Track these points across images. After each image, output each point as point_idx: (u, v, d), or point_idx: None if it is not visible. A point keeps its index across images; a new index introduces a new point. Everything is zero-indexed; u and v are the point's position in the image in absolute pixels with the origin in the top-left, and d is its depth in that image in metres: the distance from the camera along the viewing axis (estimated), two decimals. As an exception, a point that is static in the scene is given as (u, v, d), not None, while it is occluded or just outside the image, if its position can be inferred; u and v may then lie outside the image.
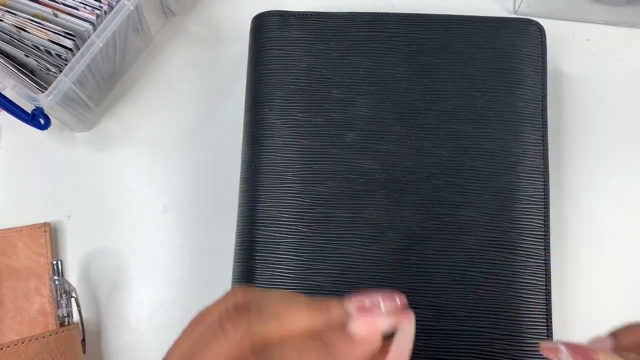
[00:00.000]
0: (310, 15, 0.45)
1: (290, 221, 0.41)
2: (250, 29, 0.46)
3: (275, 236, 0.40)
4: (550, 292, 0.39)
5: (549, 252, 0.40)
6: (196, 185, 0.47)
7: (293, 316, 0.25)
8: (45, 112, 0.43)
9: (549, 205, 0.41)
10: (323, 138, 0.42)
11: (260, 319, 0.25)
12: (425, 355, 0.38)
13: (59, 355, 0.39)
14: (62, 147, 0.49)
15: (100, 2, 0.44)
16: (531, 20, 0.44)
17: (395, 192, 0.41)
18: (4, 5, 0.44)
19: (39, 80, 0.47)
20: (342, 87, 0.43)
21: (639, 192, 0.46)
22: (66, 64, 0.43)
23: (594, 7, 0.49)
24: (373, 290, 0.26)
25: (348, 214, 0.40)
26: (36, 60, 0.45)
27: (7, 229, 0.46)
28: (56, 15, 0.44)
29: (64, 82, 0.42)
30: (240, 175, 0.43)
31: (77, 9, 0.44)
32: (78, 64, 0.42)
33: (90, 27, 0.44)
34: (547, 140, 0.42)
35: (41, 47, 0.43)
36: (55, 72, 0.46)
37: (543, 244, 0.40)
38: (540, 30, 0.44)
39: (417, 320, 0.39)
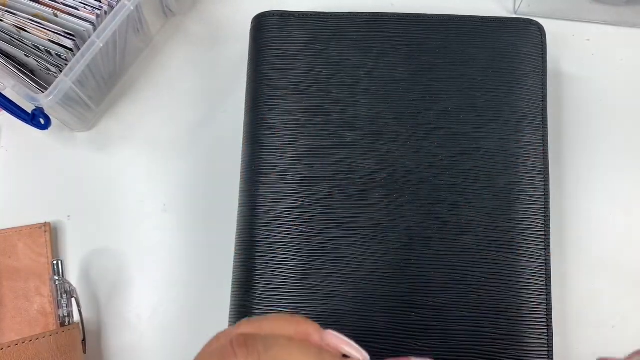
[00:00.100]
0: (310, 15, 0.45)
1: (290, 221, 0.41)
2: (250, 29, 0.46)
3: (275, 236, 0.40)
4: (550, 292, 0.39)
5: (549, 252, 0.40)
6: (196, 185, 0.47)
7: None
8: (46, 112, 0.43)
9: (549, 205, 0.41)
10: (323, 138, 0.42)
11: None
12: (426, 355, 0.38)
13: (59, 355, 0.39)
14: (62, 147, 0.49)
15: (100, 2, 0.44)
16: (531, 20, 0.44)
17: (396, 192, 0.41)
18: (4, 5, 0.44)
19: (39, 80, 0.47)
20: (342, 87, 0.43)
21: (639, 192, 0.46)
22: (66, 64, 0.43)
23: (594, 7, 0.49)
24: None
25: (348, 214, 0.40)
26: (36, 60, 0.45)
27: (7, 229, 0.46)
28: (56, 15, 0.44)
29: (64, 82, 0.42)
30: (240, 175, 0.43)
31: (77, 9, 0.44)
32: (78, 64, 0.42)
33: (90, 27, 0.44)
34: (547, 140, 0.42)
35: (41, 47, 0.43)
36: (55, 72, 0.46)
37: (543, 244, 0.40)
38: (540, 30, 0.44)
39: (417, 320, 0.39)
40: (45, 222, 0.46)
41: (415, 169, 0.41)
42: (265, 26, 0.45)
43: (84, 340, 0.42)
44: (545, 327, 0.39)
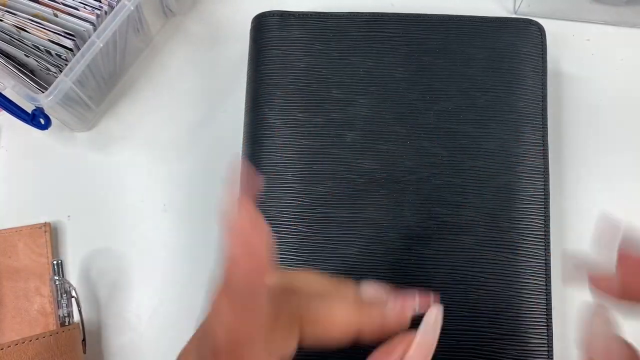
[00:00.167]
0: (310, 15, 0.45)
1: (290, 221, 0.41)
2: (250, 29, 0.46)
3: (275, 236, 0.40)
4: (550, 292, 0.39)
5: (549, 252, 0.40)
6: (196, 185, 0.47)
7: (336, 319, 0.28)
8: (46, 112, 0.43)
9: (549, 205, 0.41)
10: (323, 138, 0.42)
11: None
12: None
13: (59, 355, 0.39)
14: (62, 147, 0.49)
15: (100, 2, 0.44)
16: (531, 20, 0.44)
17: (396, 192, 0.41)
18: (4, 5, 0.44)
19: (39, 80, 0.47)
20: (342, 87, 0.43)
21: (639, 192, 0.46)
22: (66, 64, 0.43)
23: (594, 7, 0.49)
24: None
25: (348, 214, 0.40)
26: (36, 60, 0.45)
27: (7, 229, 0.46)
28: (56, 15, 0.44)
29: (64, 82, 0.42)
30: (241, 175, 0.43)
31: (77, 9, 0.44)
32: (78, 64, 0.42)
33: (90, 27, 0.44)
34: (547, 140, 0.42)
35: (41, 47, 0.43)
36: (55, 72, 0.46)
37: (543, 244, 0.40)
38: (540, 30, 0.44)
39: (417, 320, 0.38)
40: (45, 222, 0.46)
41: (415, 169, 0.41)
42: (265, 26, 0.45)
43: (84, 340, 0.42)
44: (545, 327, 0.39)
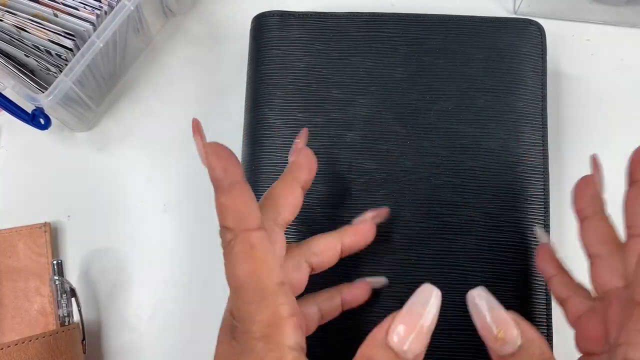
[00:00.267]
0: (310, 15, 0.45)
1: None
2: (250, 29, 0.46)
3: (275, 236, 0.40)
4: (550, 292, 0.39)
5: (549, 252, 0.40)
6: (196, 185, 0.47)
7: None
8: (46, 112, 0.43)
9: (549, 205, 0.41)
10: (323, 138, 0.42)
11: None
12: (425, 354, 0.38)
13: (59, 355, 0.39)
14: (62, 147, 0.49)
15: (100, 2, 0.44)
16: (531, 20, 0.44)
17: (395, 192, 0.41)
18: (4, 5, 0.44)
19: (39, 80, 0.47)
20: (342, 87, 0.43)
21: (638, 192, 0.46)
22: (66, 64, 0.43)
23: (594, 7, 0.49)
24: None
25: (348, 214, 0.40)
26: (36, 60, 0.45)
27: (7, 229, 0.46)
28: (56, 15, 0.44)
29: (64, 82, 0.42)
30: (241, 175, 0.43)
31: (77, 9, 0.44)
32: (78, 64, 0.42)
33: (90, 27, 0.44)
34: (547, 140, 0.42)
35: (41, 47, 0.43)
36: (55, 72, 0.46)
37: (543, 244, 0.40)
38: (540, 30, 0.44)
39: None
40: (45, 222, 0.46)
41: (415, 169, 0.41)
42: (265, 26, 0.45)
43: (84, 340, 0.42)
44: (545, 327, 0.39)
